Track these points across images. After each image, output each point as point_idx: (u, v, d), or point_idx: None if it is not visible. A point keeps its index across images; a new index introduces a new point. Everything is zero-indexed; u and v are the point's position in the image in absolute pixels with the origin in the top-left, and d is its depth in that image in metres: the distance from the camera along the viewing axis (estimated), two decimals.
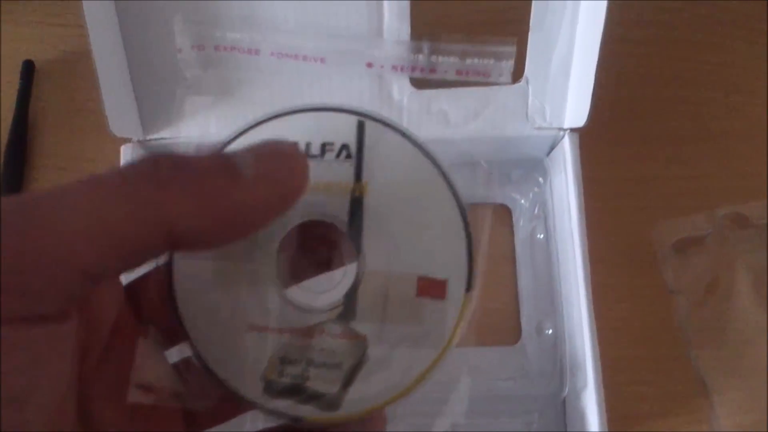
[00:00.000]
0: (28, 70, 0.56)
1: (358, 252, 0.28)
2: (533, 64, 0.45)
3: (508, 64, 0.27)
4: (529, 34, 0.44)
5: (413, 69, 0.28)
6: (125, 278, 0.28)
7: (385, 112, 0.45)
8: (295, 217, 0.28)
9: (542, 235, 0.50)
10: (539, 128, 0.47)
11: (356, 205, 0.27)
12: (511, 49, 0.27)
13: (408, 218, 0.28)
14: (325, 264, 0.29)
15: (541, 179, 0.51)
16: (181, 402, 0.28)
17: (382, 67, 0.28)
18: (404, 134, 0.28)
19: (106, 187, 0.21)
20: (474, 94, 0.46)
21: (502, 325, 0.50)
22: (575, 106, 0.45)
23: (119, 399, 0.26)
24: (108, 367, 0.26)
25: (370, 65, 0.28)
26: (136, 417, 0.26)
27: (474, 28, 0.57)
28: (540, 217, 0.51)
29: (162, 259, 0.28)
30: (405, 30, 0.44)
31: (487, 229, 0.29)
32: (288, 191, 0.23)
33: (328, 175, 0.27)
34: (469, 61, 0.27)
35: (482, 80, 0.28)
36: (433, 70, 0.27)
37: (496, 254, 0.51)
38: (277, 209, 0.23)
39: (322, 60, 0.28)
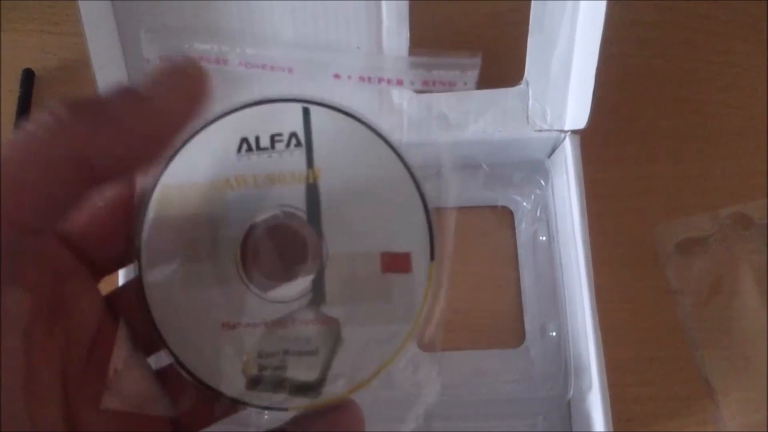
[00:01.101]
0: (28, 78, 0.56)
1: (320, 237, 0.28)
2: (533, 66, 0.45)
3: (473, 74, 0.28)
4: (529, 36, 0.44)
5: (380, 80, 0.28)
6: (104, 289, 0.28)
7: (384, 118, 0.45)
8: (254, 210, 0.28)
9: (544, 237, 0.50)
10: (540, 130, 0.47)
11: (312, 191, 0.28)
12: (476, 62, 0.28)
13: (364, 197, 0.28)
14: (290, 253, 0.29)
15: (542, 181, 0.51)
16: (164, 410, 0.28)
17: (349, 77, 0.28)
18: (349, 114, 0.28)
19: (18, 143, 0.22)
20: (474, 97, 0.46)
21: (505, 327, 0.50)
22: (576, 108, 0.45)
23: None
24: (93, 373, 0.26)
25: (337, 76, 0.28)
26: (122, 422, 0.27)
27: (474, 30, 0.57)
28: (542, 219, 0.50)
29: (132, 272, 0.28)
30: (404, 33, 0.44)
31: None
32: (190, 96, 0.25)
33: (280, 166, 0.28)
34: (435, 72, 0.28)
35: (447, 89, 0.28)
36: (400, 81, 0.28)
37: (498, 257, 0.51)
38: (184, 119, 0.25)
39: (290, 70, 0.28)
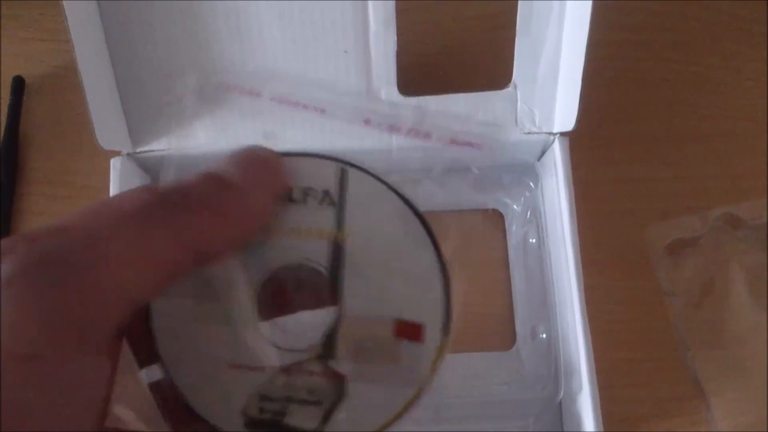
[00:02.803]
0: (18, 85, 0.56)
1: (338, 296, 0.28)
2: (521, 69, 0.45)
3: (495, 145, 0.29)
4: (516, 39, 0.44)
5: (408, 131, 0.28)
6: None
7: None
8: (276, 259, 0.28)
9: (534, 240, 0.50)
10: (529, 133, 0.47)
11: (337, 250, 0.28)
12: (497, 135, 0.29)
13: (387, 264, 0.28)
14: (306, 306, 0.29)
15: (532, 184, 0.51)
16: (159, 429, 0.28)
17: (380, 124, 0.28)
18: (384, 182, 0.29)
19: (137, 221, 0.23)
20: (463, 101, 0.46)
21: (496, 330, 0.50)
22: (564, 110, 0.45)
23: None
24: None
25: (368, 121, 0.28)
26: None
27: (462, 34, 0.57)
28: (532, 222, 0.50)
29: None
30: (391, 37, 0.44)
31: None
32: (273, 186, 0.27)
33: (309, 221, 0.28)
34: (461, 136, 0.28)
35: (474, 150, 0.29)
36: (427, 135, 0.28)
37: (489, 259, 0.51)
38: (270, 209, 0.27)
39: (323, 111, 0.28)
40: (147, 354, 0.28)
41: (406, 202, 0.29)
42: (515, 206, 0.51)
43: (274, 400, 0.28)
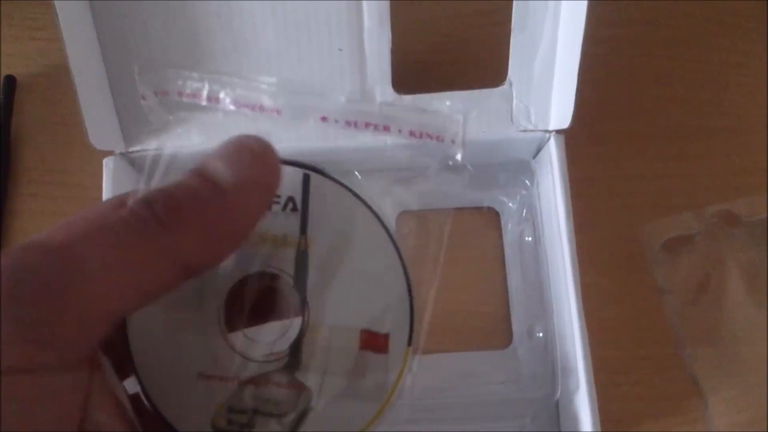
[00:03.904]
0: (10, 84, 0.56)
1: (303, 304, 0.28)
2: (516, 66, 0.45)
3: (461, 133, 0.28)
4: (511, 36, 0.44)
5: (367, 125, 0.28)
6: None
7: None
8: (242, 268, 0.28)
9: (531, 238, 0.50)
10: (524, 131, 0.47)
11: (301, 258, 0.28)
12: (459, 120, 0.28)
13: (352, 272, 0.28)
14: (272, 315, 0.29)
15: (528, 182, 0.50)
16: None
17: (336, 121, 0.28)
18: (348, 189, 0.29)
19: (119, 237, 0.22)
20: (458, 99, 0.46)
21: (493, 328, 0.50)
22: (560, 108, 0.45)
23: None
24: None
25: (324, 119, 0.28)
26: None
27: (457, 32, 0.57)
28: (528, 220, 0.50)
29: None
30: (386, 35, 0.44)
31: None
32: (268, 188, 0.25)
33: (274, 228, 0.28)
34: (424, 122, 0.28)
35: (434, 142, 0.28)
36: (387, 128, 0.28)
37: (485, 258, 0.51)
38: (263, 207, 0.26)
39: (278, 112, 0.28)
40: (125, 365, 0.28)
41: (372, 211, 0.29)
42: (511, 204, 0.51)
43: (241, 412, 0.28)
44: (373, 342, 0.28)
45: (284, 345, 0.28)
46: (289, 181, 0.28)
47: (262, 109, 0.28)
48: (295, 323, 0.28)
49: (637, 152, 0.54)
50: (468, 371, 0.48)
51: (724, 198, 0.52)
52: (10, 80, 0.56)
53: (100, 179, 0.45)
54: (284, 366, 0.28)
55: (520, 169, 0.51)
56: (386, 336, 0.28)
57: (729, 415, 0.47)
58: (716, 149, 0.54)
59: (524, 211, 0.51)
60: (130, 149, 0.46)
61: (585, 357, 0.42)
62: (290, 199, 0.28)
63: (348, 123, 0.28)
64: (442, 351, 0.48)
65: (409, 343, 0.28)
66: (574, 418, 0.43)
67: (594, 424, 0.41)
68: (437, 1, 0.57)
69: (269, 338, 0.29)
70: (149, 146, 0.46)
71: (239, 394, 0.28)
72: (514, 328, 0.49)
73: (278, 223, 0.28)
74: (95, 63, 0.44)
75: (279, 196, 0.28)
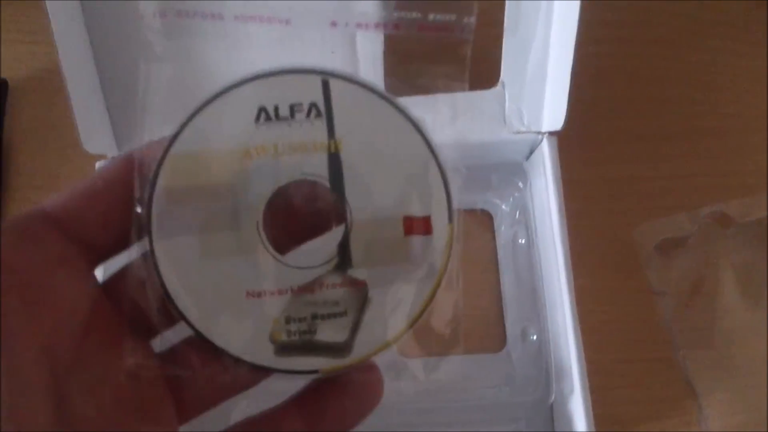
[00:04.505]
0: (2, 89, 0.56)
1: (343, 204, 0.29)
2: (509, 68, 0.45)
3: (470, 21, 0.28)
4: (504, 38, 0.44)
5: (377, 26, 0.28)
6: (102, 275, 0.29)
7: None
8: (275, 179, 0.29)
9: (524, 240, 0.50)
10: (517, 132, 0.47)
11: (334, 160, 0.29)
12: (471, 6, 0.28)
13: (384, 165, 0.29)
14: (314, 220, 0.30)
15: (521, 183, 0.50)
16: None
17: (346, 24, 0.28)
18: (367, 86, 0.29)
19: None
20: (450, 100, 0.45)
21: (486, 332, 0.49)
22: (552, 110, 0.45)
23: (101, 395, 0.26)
24: (85, 363, 0.26)
25: (334, 23, 0.28)
26: (121, 410, 0.26)
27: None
28: (521, 222, 0.50)
29: (140, 248, 0.28)
30: (378, 38, 0.43)
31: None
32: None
33: (301, 135, 0.28)
34: (431, 16, 0.28)
35: (445, 36, 0.29)
36: (397, 26, 0.28)
37: (478, 260, 0.51)
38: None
39: (287, 22, 0.28)
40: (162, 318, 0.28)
41: (392, 103, 0.29)
42: (504, 206, 0.51)
43: (300, 320, 0.28)
44: (417, 226, 0.29)
45: (332, 246, 0.29)
46: (308, 87, 0.28)
47: (270, 20, 0.28)
48: (338, 223, 0.29)
49: (630, 153, 0.54)
50: (461, 374, 0.48)
51: (717, 199, 0.52)
52: (2, 84, 0.56)
53: None
54: (335, 266, 0.29)
55: (512, 171, 0.51)
56: (427, 218, 0.29)
57: (723, 417, 0.47)
58: (709, 150, 0.54)
59: (517, 213, 0.50)
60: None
61: (579, 359, 0.42)
62: (313, 105, 0.28)
63: (359, 25, 0.28)
64: (436, 354, 0.48)
65: (450, 220, 0.29)
66: (569, 421, 0.43)
67: (588, 426, 0.41)
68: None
69: (315, 243, 0.29)
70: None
71: (294, 303, 0.28)
72: (508, 330, 0.49)
73: (304, 130, 0.28)
74: (87, 66, 0.44)
75: (301, 104, 0.28)
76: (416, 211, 0.29)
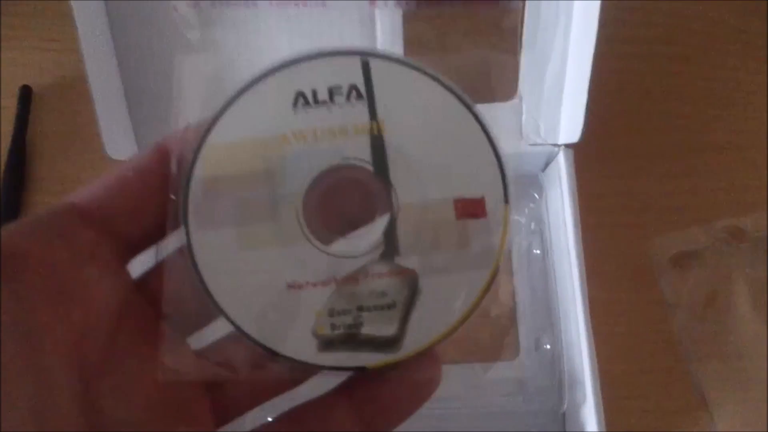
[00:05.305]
0: (26, 95, 0.56)
1: (389, 188, 0.27)
2: (527, 81, 0.46)
3: None
4: (522, 51, 0.45)
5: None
6: (137, 271, 0.27)
7: None
8: (315, 165, 0.27)
9: (539, 251, 0.50)
10: (534, 144, 0.47)
11: (377, 142, 0.27)
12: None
13: (431, 145, 0.27)
14: (357, 205, 0.28)
15: (536, 195, 0.51)
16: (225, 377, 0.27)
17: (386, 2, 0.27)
18: (408, 64, 0.27)
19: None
20: None
21: (500, 340, 0.50)
22: (569, 122, 0.45)
23: (133, 396, 0.25)
24: (118, 364, 0.25)
25: (373, 2, 0.27)
26: (155, 414, 0.25)
27: (470, 37, 0.57)
28: (536, 233, 0.50)
29: (175, 241, 0.27)
30: (398, 46, 0.44)
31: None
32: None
33: (341, 119, 0.27)
34: None
35: (494, 7, 0.28)
36: None
37: None
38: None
39: (323, 4, 0.28)
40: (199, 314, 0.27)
41: (436, 79, 0.27)
42: (519, 217, 0.51)
43: (344, 313, 0.26)
44: (470, 208, 0.27)
45: (377, 233, 0.27)
46: (348, 69, 0.27)
47: (306, 3, 0.27)
48: (384, 208, 0.27)
49: (645, 167, 0.54)
50: (474, 383, 0.48)
51: (732, 213, 0.52)
52: (26, 90, 0.56)
53: None
54: (381, 255, 0.27)
55: (528, 183, 0.51)
56: (481, 199, 0.27)
57: (735, 430, 0.47)
58: (725, 165, 0.55)
59: (532, 224, 0.51)
60: None
61: (592, 369, 0.42)
62: (353, 87, 0.27)
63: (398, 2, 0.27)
64: (449, 362, 0.48)
65: (506, 201, 0.27)
66: (581, 430, 0.43)
67: None
68: None
69: (359, 231, 0.28)
70: None
71: (338, 295, 0.27)
72: (522, 340, 0.49)
73: (345, 113, 0.27)
74: (112, 73, 0.44)
75: (340, 87, 0.27)
76: (469, 192, 0.27)
